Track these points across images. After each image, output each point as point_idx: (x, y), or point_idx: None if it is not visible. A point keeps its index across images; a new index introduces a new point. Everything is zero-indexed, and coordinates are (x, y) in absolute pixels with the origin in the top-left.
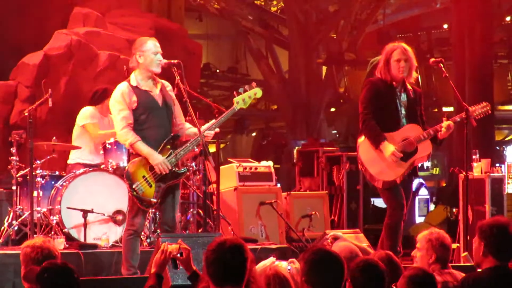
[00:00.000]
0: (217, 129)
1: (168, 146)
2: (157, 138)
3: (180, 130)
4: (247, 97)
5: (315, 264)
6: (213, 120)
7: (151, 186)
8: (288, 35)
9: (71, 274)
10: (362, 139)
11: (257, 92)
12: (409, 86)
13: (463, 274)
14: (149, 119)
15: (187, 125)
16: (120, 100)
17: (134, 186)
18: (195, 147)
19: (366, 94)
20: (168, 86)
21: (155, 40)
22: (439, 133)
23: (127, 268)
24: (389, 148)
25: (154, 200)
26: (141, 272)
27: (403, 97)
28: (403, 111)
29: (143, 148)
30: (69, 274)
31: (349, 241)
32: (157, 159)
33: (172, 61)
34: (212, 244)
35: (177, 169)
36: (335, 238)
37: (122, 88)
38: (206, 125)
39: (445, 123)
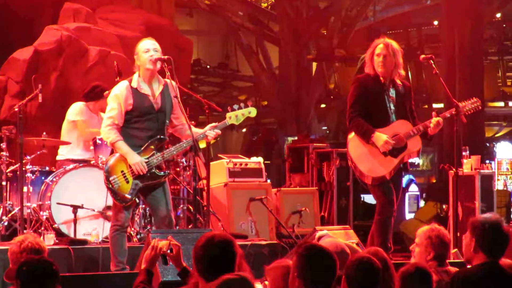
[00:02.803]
0: (219, 131)
1: (152, 147)
2: (144, 139)
3: (181, 131)
4: (240, 114)
5: (308, 259)
6: (207, 127)
7: (128, 182)
8: (278, 31)
9: (49, 266)
10: (352, 135)
11: (252, 111)
12: (398, 81)
13: None
14: (142, 122)
15: (187, 126)
16: (115, 99)
17: (110, 179)
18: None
19: (353, 91)
20: (169, 85)
21: (150, 39)
22: (429, 129)
23: (115, 264)
24: (381, 138)
25: (129, 197)
26: (131, 268)
27: (392, 92)
28: (392, 107)
29: (123, 147)
30: (47, 266)
31: (334, 237)
32: (135, 159)
33: (162, 56)
34: (200, 239)
35: (157, 171)
36: (321, 237)
37: (121, 88)
38: (200, 131)
39: (434, 120)
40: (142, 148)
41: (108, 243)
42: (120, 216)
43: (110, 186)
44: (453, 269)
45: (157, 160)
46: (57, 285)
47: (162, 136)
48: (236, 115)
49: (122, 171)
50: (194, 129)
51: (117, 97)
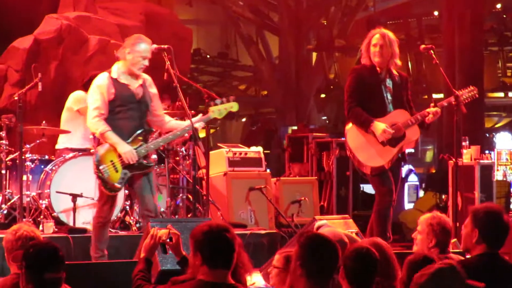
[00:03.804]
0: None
1: (140, 138)
2: (130, 129)
3: (160, 123)
4: (223, 108)
5: (310, 249)
6: (195, 118)
7: (117, 171)
8: (278, 21)
9: (55, 251)
10: (350, 125)
11: (234, 106)
12: (394, 72)
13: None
14: (125, 111)
15: (167, 118)
16: (97, 90)
17: (100, 168)
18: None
19: (350, 82)
20: (148, 81)
21: (149, 44)
22: (426, 118)
23: (95, 250)
24: (379, 126)
25: (118, 186)
26: (130, 257)
27: (389, 82)
28: (389, 97)
29: (112, 137)
30: (53, 250)
31: (333, 227)
32: (125, 148)
33: (162, 46)
34: (199, 227)
35: (145, 161)
36: (319, 227)
37: (102, 79)
38: (185, 123)
39: (432, 109)
40: (130, 139)
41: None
42: (104, 209)
43: (100, 175)
44: (455, 257)
45: (145, 151)
46: (62, 271)
47: (149, 127)
48: (218, 109)
49: (111, 161)
50: (178, 122)
51: (99, 87)
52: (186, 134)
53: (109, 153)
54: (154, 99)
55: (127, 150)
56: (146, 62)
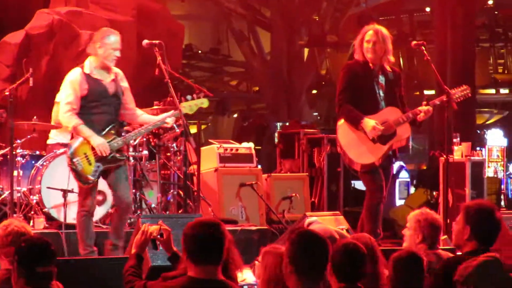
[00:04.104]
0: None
1: (113, 132)
2: (103, 124)
3: (132, 116)
4: (193, 104)
5: (301, 246)
6: (163, 115)
7: (90, 164)
8: (270, 17)
9: (47, 246)
10: (341, 122)
11: (204, 102)
12: (388, 68)
13: (451, 255)
14: (98, 106)
15: (139, 111)
16: (70, 85)
17: (74, 160)
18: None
19: (342, 78)
20: (120, 75)
21: (118, 35)
22: (418, 116)
23: (84, 247)
24: (369, 123)
25: (92, 178)
26: (116, 251)
27: (381, 79)
28: (381, 93)
29: (85, 131)
30: (44, 245)
31: (322, 223)
32: (98, 141)
33: (153, 41)
34: (190, 223)
35: (117, 154)
36: (310, 223)
37: (75, 74)
38: (157, 118)
39: (424, 108)
40: (103, 133)
41: (98, 228)
42: (86, 202)
43: (74, 167)
44: (444, 253)
45: (117, 144)
46: (53, 265)
47: (121, 121)
48: (189, 105)
49: (85, 153)
50: (150, 116)
51: (72, 83)
52: (178, 130)
53: (83, 146)
54: (126, 92)
55: (100, 142)
56: (118, 53)
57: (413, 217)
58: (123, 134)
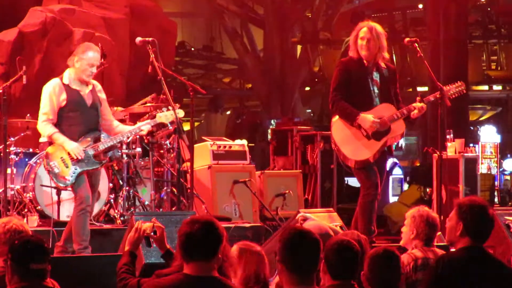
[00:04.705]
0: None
1: (88, 139)
2: (81, 133)
3: (109, 127)
4: (169, 114)
5: (291, 243)
6: (139, 124)
7: (67, 166)
8: (263, 14)
9: (40, 243)
10: (335, 118)
11: (179, 112)
12: (382, 65)
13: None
14: (77, 116)
15: (116, 123)
16: (47, 96)
17: (51, 163)
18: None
19: (337, 75)
20: (98, 87)
21: (97, 51)
22: (412, 113)
23: (79, 242)
24: (367, 118)
25: (69, 179)
26: (114, 250)
27: (376, 76)
28: (375, 90)
29: (59, 137)
30: (38, 242)
31: (318, 220)
32: (71, 145)
33: (146, 38)
34: (185, 221)
35: (94, 159)
36: (304, 219)
37: (53, 85)
38: (132, 128)
39: (418, 104)
40: (79, 140)
41: (92, 226)
42: (81, 196)
43: (50, 169)
44: (439, 251)
45: (94, 150)
46: (47, 262)
47: (97, 130)
48: (165, 115)
49: (61, 157)
50: (125, 127)
51: (50, 94)
52: (171, 127)
53: (59, 151)
54: (104, 104)
55: (73, 146)
56: (94, 70)
57: (410, 214)
58: (99, 140)
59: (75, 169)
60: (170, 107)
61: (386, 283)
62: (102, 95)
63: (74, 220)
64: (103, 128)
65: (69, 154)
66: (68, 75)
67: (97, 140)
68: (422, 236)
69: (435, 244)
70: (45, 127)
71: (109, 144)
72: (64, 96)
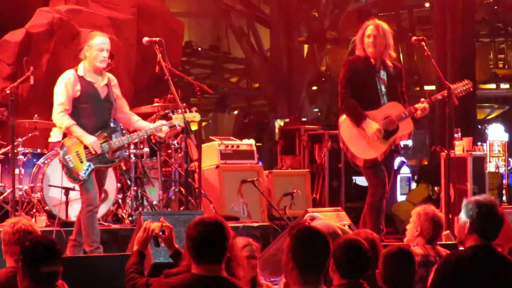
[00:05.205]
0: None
1: (105, 134)
2: (95, 126)
3: (128, 121)
4: (187, 117)
5: (301, 242)
6: (157, 123)
7: (82, 162)
8: (270, 13)
9: (52, 245)
10: (343, 117)
11: (196, 116)
12: (389, 63)
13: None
14: (90, 108)
15: (135, 117)
16: (62, 86)
17: (66, 157)
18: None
19: (344, 73)
20: (114, 81)
21: (105, 36)
22: (415, 113)
23: (90, 244)
24: (372, 125)
25: (82, 175)
26: (123, 250)
27: (383, 74)
28: (383, 89)
29: (78, 130)
30: (49, 244)
31: (325, 219)
32: (90, 139)
33: (153, 38)
34: (193, 222)
35: (109, 156)
36: (312, 219)
37: (68, 75)
38: (151, 125)
39: (421, 105)
40: (96, 135)
41: (100, 226)
42: (89, 197)
43: (65, 164)
44: (442, 249)
45: (108, 147)
46: (59, 265)
47: (114, 125)
48: (181, 117)
49: (77, 152)
50: (146, 123)
51: (65, 84)
52: (178, 127)
53: (75, 145)
54: (120, 98)
55: (92, 140)
56: (105, 54)
57: (415, 211)
58: (114, 138)
59: (89, 165)
60: (185, 110)
61: (401, 281)
62: (117, 90)
63: (83, 222)
64: (121, 122)
65: (85, 149)
66: (82, 67)
67: (111, 136)
68: (426, 234)
69: (444, 242)
70: (62, 118)
71: (125, 141)
72: (78, 87)
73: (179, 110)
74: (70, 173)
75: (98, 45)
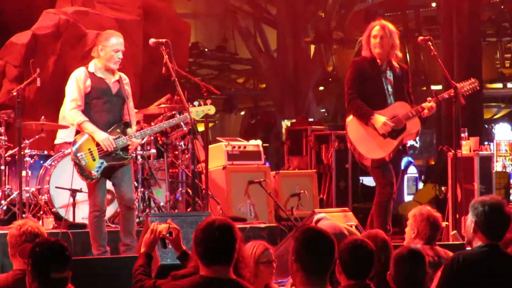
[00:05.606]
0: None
1: (118, 130)
2: (107, 122)
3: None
4: (200, 110)
5: (304, 243)
6: (165, 122)
7: (94, 159)
8: (276, 14)
9: (61, 250)
10: (350, 118)
11: (211, 109)
12: (395, 64)
13: (449, 252)
14: (101, 104)
15: (133, 122)
16: (74, 83)
17: (78, 155)
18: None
19: (350, 74)
20: (125, 80)
21: (120, 37)
22: (422, 112)
23: (97, 248)
24: (380, 119)
25: (95, 173)
26: (130, 252)
27: (389, 74)
28: (389, 89)
29: (90, 127)
30: (59, 249)
31: (332, 220)
32: (102, 136)
33: (160, 40)
34: (201, 224)
35: (122, 153)
36: (318, 220)
37: (79, 72)
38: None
39: (427, 104)
40: (109, 131)
41: (107, 227)
42: (97, 201)
43: (78, 161)
44: (441, 250)
45: (122, 143)
46: (68, 270)
47: (126, 121)
48: (196, 111)
49: (89, 149)
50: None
51: (76, 80)
52: (185, 128)
53: (87, 142)
54: (129, 98)
55: (104, 137)
56: (120, 55)
57: (411, 213)
58: (128, 133)
59: (102, 163)
60: (201, 102)
61: (412, 282)
62: (128, 89)
63: (90, 226)
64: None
65: (97, 146)
66: (93, 65)
67: (125, 131)
68: (423, 235)
69: (451, 242)
70: (75, 115)
71: (138, 137)
72: (89, 82)
73: (195, 103)
74: (82, 171)
75: (113, 46)
